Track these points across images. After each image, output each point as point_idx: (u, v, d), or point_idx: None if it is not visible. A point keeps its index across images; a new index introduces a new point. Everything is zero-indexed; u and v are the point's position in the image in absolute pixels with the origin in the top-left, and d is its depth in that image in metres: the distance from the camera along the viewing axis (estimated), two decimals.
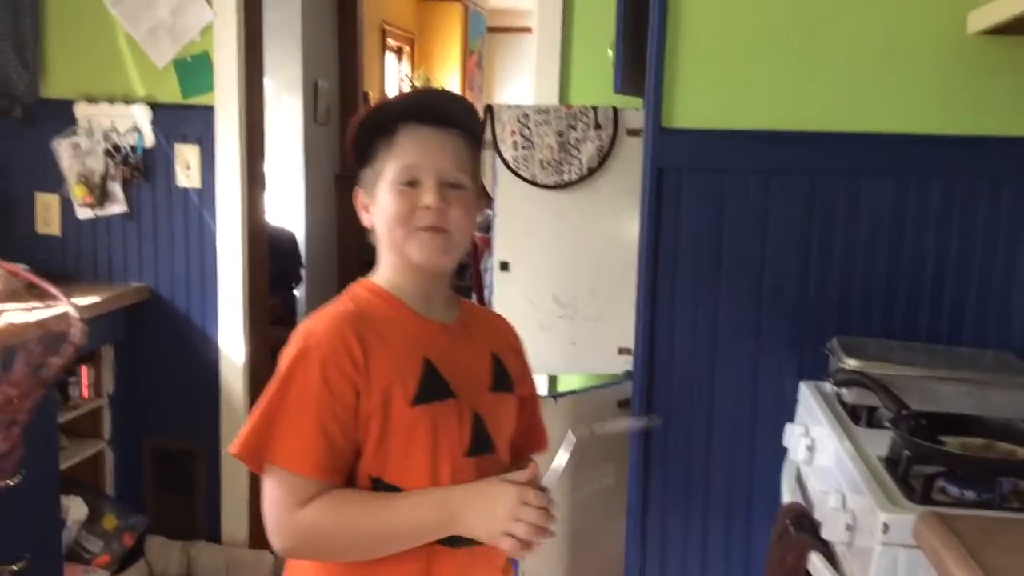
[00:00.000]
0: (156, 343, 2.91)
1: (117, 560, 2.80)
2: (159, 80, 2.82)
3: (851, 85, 2.00)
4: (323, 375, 1.16)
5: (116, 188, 2.85)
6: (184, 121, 2.83)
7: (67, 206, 2.88)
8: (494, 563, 1.29)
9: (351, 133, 1.30)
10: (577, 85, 2.87)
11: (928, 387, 1.70)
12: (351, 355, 1.18)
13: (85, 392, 2.82)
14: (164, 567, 2.91)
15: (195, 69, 2.79)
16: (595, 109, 2.47)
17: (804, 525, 1.54)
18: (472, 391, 1.26)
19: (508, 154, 2.46)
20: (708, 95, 2.04)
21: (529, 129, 2.44)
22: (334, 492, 1.17)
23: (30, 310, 0.99)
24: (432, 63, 8.28)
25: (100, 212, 2.87)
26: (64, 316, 0.99)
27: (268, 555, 2.99)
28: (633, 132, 2.46)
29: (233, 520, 2.99)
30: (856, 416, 1.71)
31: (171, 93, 2.82)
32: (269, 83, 3.10)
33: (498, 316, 1.44)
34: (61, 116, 2.83)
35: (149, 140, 2.84)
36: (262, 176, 3.02)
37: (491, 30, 9.12)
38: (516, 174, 2.46)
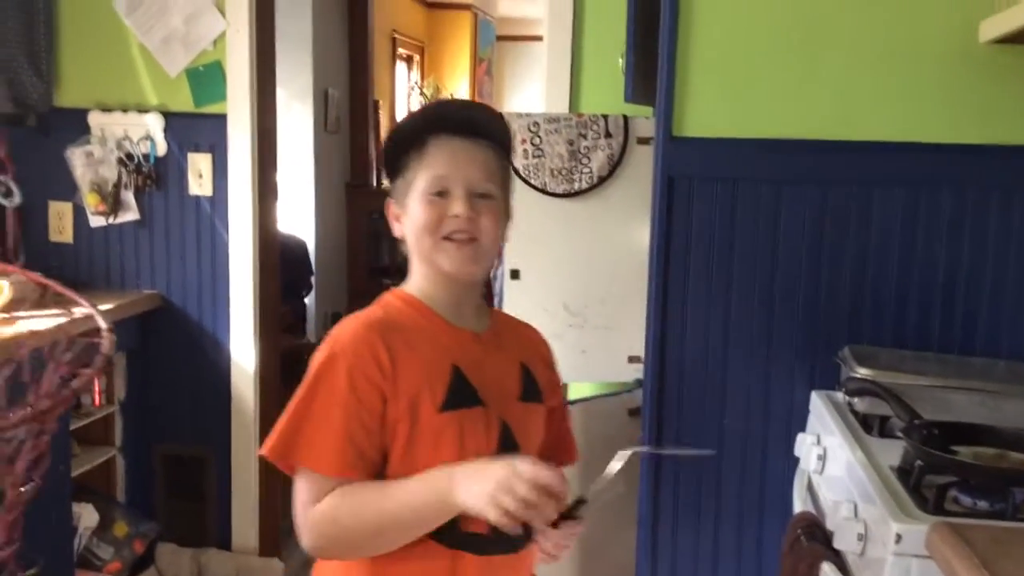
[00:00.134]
0: (168, 350, 2.92)
1: (128, 567, 2.81)
2: (172, 89, 2.83)
3: (862, 94, 2.00)
4: (350, 381, 1.18)
5: (129, 196, 2.87)
6: (196, 130, 2.84)
7: (80, 214, 2.90)
8: (520, 574, 1.29)
9: (383, 145, 1.33)
10: (587, 93, 2.88)
11: (941, 397, 1.69)
12: (378, 361, 1.19)
13: (97, 399, 2.83)
14: (175, 574, 2.91)
15: (207, 78, 2.81)
16: (605, 117, 2.47)
17: (816, 535, 1.54)
18: (501, 400, 1.26)
19: (519, 162, 2.46)
20: (719, 104, 2.04)
21: (540, 138, 2.45)
22: (346, 485, 1.17)
23: (49, 317, 1.00)
24: (442, 71, 8.30)
25: (113, 220, 2.89)
26: (89, 323, 1.00)
27: (278, 563, 2.99)
28: (643, 140, 2.46)
29: (243, 527, 3.00)
30: (868, 426, 1.70)
31: (184, 102, 2.83)
32: (280, 91, 3.11)
33: (529, 327, 1.44)
34: (74, 125, 2.85)
35: (162, 149, 2.85)
36: (274, 184, 3.03)
37: (500, 38, 9.14)
38: (527, 182, 2.47)
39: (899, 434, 1.53)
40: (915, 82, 1.99)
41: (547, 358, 1.40)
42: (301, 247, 4.97)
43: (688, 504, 2.13)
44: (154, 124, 2.84)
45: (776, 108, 2.03)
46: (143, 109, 2.85)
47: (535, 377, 1.33)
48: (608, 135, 2.46)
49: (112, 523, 2.81)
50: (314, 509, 1.17)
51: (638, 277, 2.24)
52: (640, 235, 2.34)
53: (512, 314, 1.46)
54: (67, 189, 2.87)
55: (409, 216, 1.28)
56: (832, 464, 1.68)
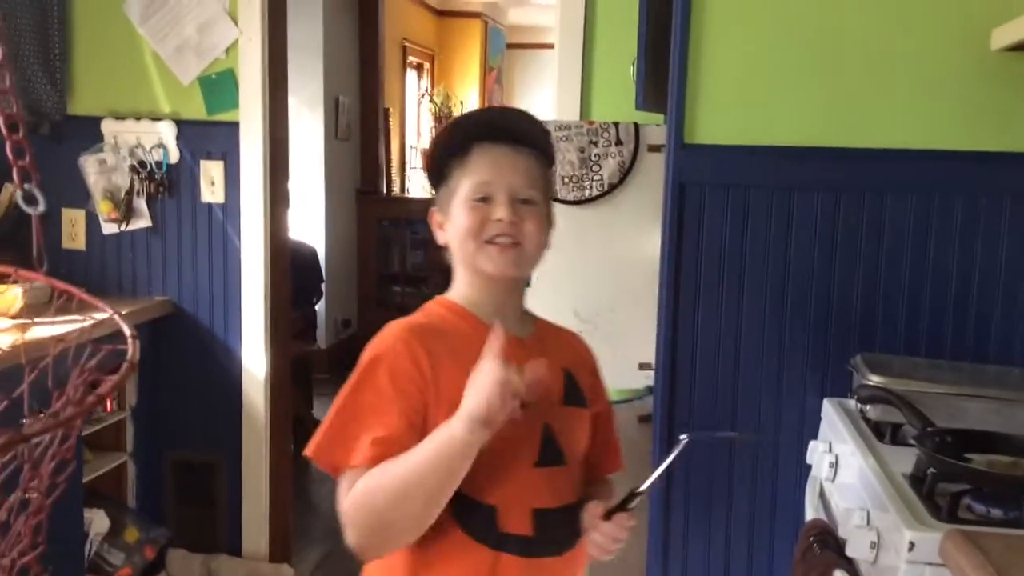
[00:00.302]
0: (179, 356, 2.93)
1: (139, 573, 2.81)
2: (185, 97, 2.85)
3: (873, 101, 2.00)
4: (392, 380, 1.19)
5: (141, 203, 2.88)
6: (209, 137, 2.86)
7: (93, 221, 2.91)
8: None
9: (427, 152, 1.34)
10: (598, 101, 2.89)
11: (954, 404, 1.68)
12: (418, 365, 1.20)
13: (108, 405, 2.84)
14: None
15: (220, 86, 2.83)
16: (616, 125, 2.48)
17: (828, 543, 1.53)
18: (544, 404, 1.26)
19: None
20: (730, 111, 2.04)
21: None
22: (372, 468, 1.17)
23: (63, 323, 1.01)
24: (452, 79, 8.33)
25: (125, 227, 2.90)
26: (100, 329, 1.00)
27: (288, 569, 3.00)
28: (654, 148, 2.47)
29: (254, 533, 3.00)
30: (880, 433, 1.70)
31: (196, 110, 2.85)
32: (291, 99, 3.12)
33: (573, 334, 1.44)
34: (88, 133, 2.87)
35: (174, 156, 2.87)
36: (286, 192, 3.04)
37: (510, 46, 9.17)
38: None
39: (912, 442, 1.53)
40: (927, 89, 1.99)
41: (591, 364, 1.40)
42: (311, 254, 4.99)
43: (699, 510, 2.12)
44: (167, 132, 2.85)
45: (787, 115, 2.03)
46: (156, 117, 2.86)
47: (579, 383, 1.33)
48: (619, 142, 2.46)
49: (123, 529, 2.82)
50: (351, 493, 1.17)
51: (649, 284, 2.24)
52: (651, 242, 2.34)
53: None
54: (80, 196, 2.88)
55: (452, 222, 1.28)
56: (844, 472, 1.67)
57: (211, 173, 2.86)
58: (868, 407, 1.75)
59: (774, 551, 2.10)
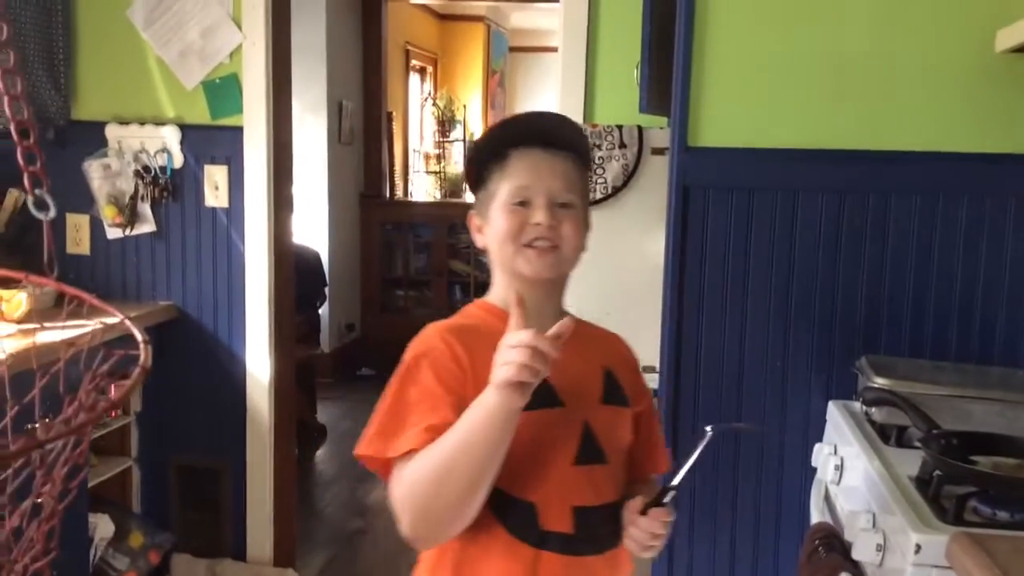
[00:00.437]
0: (183, 361, 2.93)
1: None
2: (188, 102, 2.85)
3: (878, 103, 2.00)
4: (436, 375, 1.20)
5: (145, 208, 2.89)
6: (213, 142, 2.86)
7: (97, 226, 2.92)
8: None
9: (467, 157, 1.36)
10: (602, 104, 2.88)
11: (959, 406, 1.68)
12: (458, 361, 1.22)
13: (113, 411, 2.84)
14: None
15: (224, 91, 2.83)
16: (620, 128, 2.48)
17: (834, 545, 1.53)
18: (582, 402, 1.27)
19: None
20: (734, 114, 2.04)
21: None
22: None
23: (68, 328, 1.01)
24: (455, 83, 8.34)
25: (129, 232, 2.91)
26: (106, 335, 1.01)
27: (292, 573, 3.00)
28: (658, 151, 2.47)
29: (258, 538, 3.00)
30: (885, 435, 1.70)
31: (200, 114, 2.85)
32: (294, 103, 3.13)
33: (614, 335, 1.45)
34: (92, 138, 2.88)
35: (178, 161, 2.87)
36: (289, 196, 3.05)
37: (513, 50, 9.18)
38: None
39: (917, 444, 1.53)
40: (931, 91, 1.99)
41: (633, 364, 1.41)
42: (315, 258, 4.99)
43: (704, 513, 2.12)
44: (171, 136, 2.86)
45: (791, 118, 2.03)
46: (160, 122, 2.87)
47: (619, 381, 1.33)
48: (623, 145, 2.46)
49: (128, 534, 2.82)
50: (398, 486, 1.17)
51: (653, 287, 2.24)
52: (655, 245, 2.34)
53: None
54: (84, 201, 2.89)
55: (491, 226, 1.30)
56: (849, 474, 1.67)
57: (215, 178, 2.87)
58: (873, 409, 1.75)
59: (779, 554, 2.10)
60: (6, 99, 0.85)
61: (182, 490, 3.02)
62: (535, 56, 9.02)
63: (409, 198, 7.01)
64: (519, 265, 1.27)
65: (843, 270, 2.03)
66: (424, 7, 7.68)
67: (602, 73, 2.90)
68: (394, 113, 6.56)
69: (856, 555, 1.44)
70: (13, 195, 2.78)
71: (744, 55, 2.03)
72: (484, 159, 1.32)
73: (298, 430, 3.31)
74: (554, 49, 3.17)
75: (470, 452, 1.12)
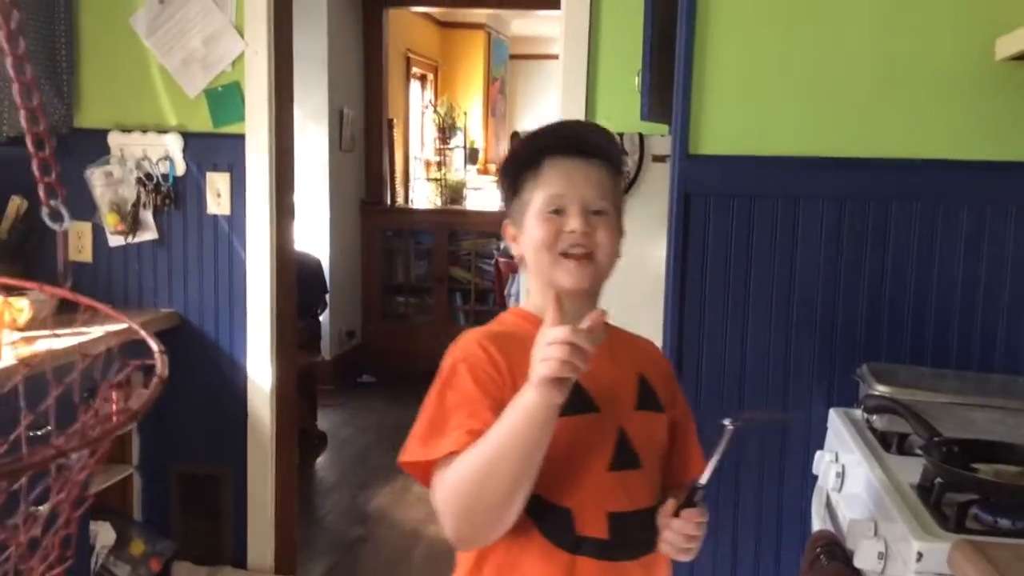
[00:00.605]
0: (184, 369, 2.93)
1: None
2: (191, 109, 2.86)
3: (878, 111, 2.01)
4: (475, 379, 1.22)
5: (147, 216, 2.90)
6: (215, 150, 2.87)
7: (99, 233, 2.93)
8: None
9: (500, 167, 1.37)
10: (603, 111, 2.89)
11: (960, 414, 1.68)
12: (496, 366, 1.23)
13: (117, 417, 2.84)
14: None
15: (226, 99, 2.84)
16: (621, 135, 2.49)
17: (836, 554, 1.53)
18: (617, 407, 1.28)
19: None
20: (735, 121, 2.05)
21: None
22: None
23: (72, 335, 1.01)
24: (455, 90, 8.36)
25: (131, 239, 2.91)
26: (106, 342, 1.01)
27: None
28: (659, 158, 2.47)
29: (259, 546, 3.00)
30: (887, 443, 1.70)
31: (202, 122, 2.86)
32: (296, 111, 3.13)
33: (649, 342, 1.46)
34: (94, 145, 2.88)
35: (180, 168, 2.88)
36: (291, 203, 3.05)
37: (513, 57, 9.20)
38: None
39: (918, 452, 1.53)
40: (931, 99, 1.99)
41: (667, 371, 1.42)
42: (316, 265, 4.99)
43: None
44: (173, 144, 2.87)
45: (792, 125, 2.03)
46: (162, 129, 2.88)
47: (653, 387, 1.34)
48: (624, 153, 2.47)
49: (129, 541, 2.82)
50: (441, 487, 1.18)
51: (654, 294, 2.25)
52: (656, 252, 2.34)
53: None
54: (87, 209, 2.89)
55: (526, 235, 1.31)
56: (851, 482, 1.67)
57: (217, 185, 2.87)
58: (874, 417, 1.75)
59: (780, 562, 2.10)
60: (23, 112, 0.86)
61: (183, 498, 3.02)
62: (536, 63, 9.04)
63: (410, 205, 7.02)
64: (558, 277, 1.28)
65: (844, 278, 2.03)
66: (425, 15, 7.70)
67: (603, 80, 2.90)
68: (395, 120, 6.57)
69: (858, 563, 1.44)
70: (15, 202, 2.79)
71: (745, 63, 2.04)
72: (518, 168, 1.33)
73: (299, 437, 3.31)
74: (555, 56, 3.17)
75: (511, 451, 1.13)
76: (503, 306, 3.33)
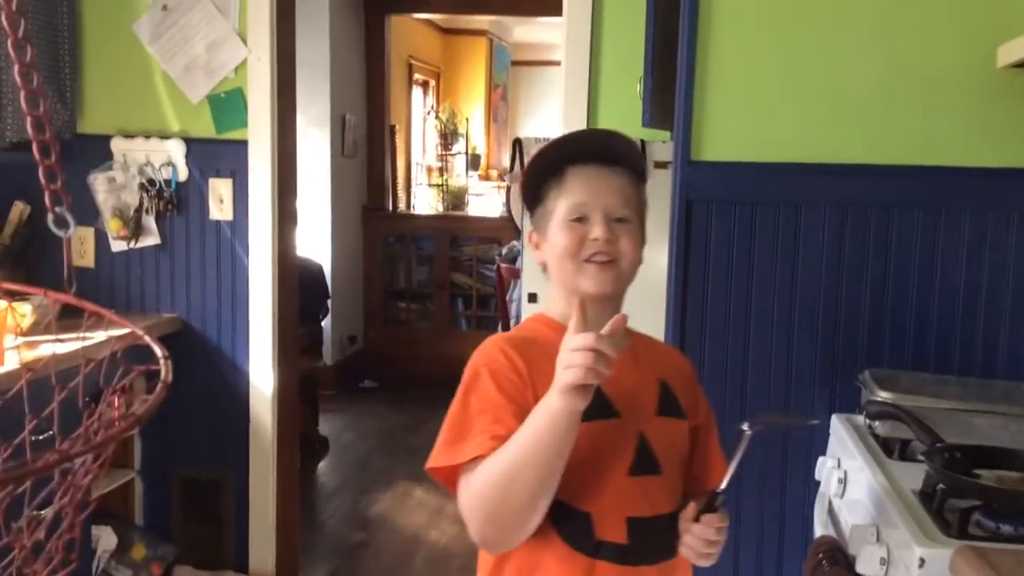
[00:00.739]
0: (186, 373, 2.90)
1: None
2: (193, 115, 2.87)
3: (881, 118, 2.01)
4: (497, 384, 1.23)
5: (150, 221, 2.90)
6: (218, 155, 2.88)
7: (102, 239, 2.93)
8: None
9: (523, 176, 1.38)
10: (604, 118, 2.89)
11: (962, 420, 1.68)
12: (517, 371, 1.24)
13: (121, 423, 2.84)
14: None
15: (229, 105, 2.85)
16: None
17: (838, 559, 1.53)
18: (637, 413, 1.28)
19: None
20: (737, 128, 2.05)
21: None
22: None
23: (78, 339, 1.02)
24: (457, 96, 8.37)
25: (134, 245, 2.92)
26: (106, 348, 1.02)
27: None
28: (660, 165, 2.47)
29: (261, 550, 3.00)
30: (889, 449, 1.70)
31: (205, 128, 2.87)
32: (298, 117, 3.14)
33: (672, 348, 1.49)
34: (97, 151, 2.89)
35: (183, 174, 2.89)
36: (293, 209, 3.06)
37: (515, 63, 9.22)
38: None
39: (920, 458, 1.53)
40: (933, 106, 1.99)
41: (689, 377, 1.42)
42: (318, 270, 5.00)
43: None
44: (176, 150, 2.87)
45: (794, 132, 2.04)
46: (165, 135, 2.88)
47: (675, 393, 1.34)
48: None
49: (130, 546, 2.82)
50: (466, 492, 1.19)
51: (655, 301, 2.25)
52: (657, 259, 2.34)
53: None
54: (89, 214, 2.90)
55: (550, 242, 1.32)
56: (853, 488, 1.67)
57: (219, 191, 2.88)
58: (876, 423, 1.75)
59: (783, 567, 2.09)
60: (29, 119, 0.86)
61: (185, 502, 3.02)
62: (538, 70, 9.06)
63: (412, 211, 7.03)
64: (582, 283, 1.28)
65: (846, 284, 2.03)
66: (427, 21, 7.72)
67: (605, 87, 2.91)
68: (397, 126, 6.58)
69: (860, 569, 1.43)
70: (18, 208, 2.79)
71: (747, 70, 2.05)
72: (541, 177, 1.34)
73: (300, 442, 3.31)
74: (557, 63, 3.18)
75: (535, 456, 1.14)
76: (504, 312, 3.33)
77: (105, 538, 2.72)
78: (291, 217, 3.03)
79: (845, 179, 2.02)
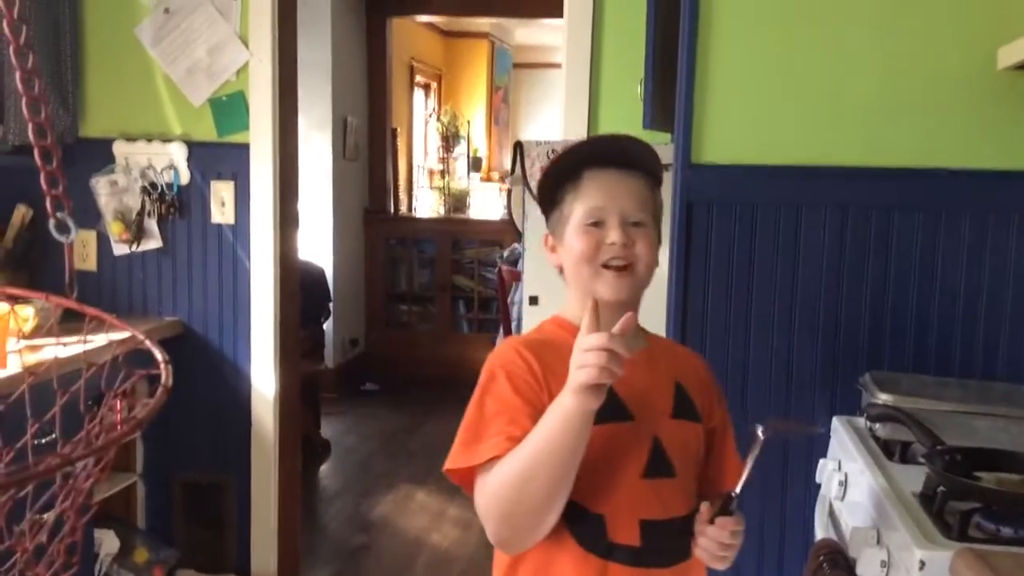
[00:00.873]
0: (188, 377, 2.94)
1: None
2: (195, 119, 2.88)
3: (881, 120, 2.01)
4: (513, 386, 1.24)
5: (152, 224, 2.91)
6: (219, 159, 2.88)
7: (104, 242, 2.94)
8: None
9: (540, 179, 1.39)
10: (605, 120, 2.90)
11: (963, 422, 1.68)
12: (532, 372, 1.25)
13: (123, 426, 2.85)
14: None
15: (231, 108, 2.85)
16: None
17: (838, 562, 1.53)
18: (652, 416, 1.29)
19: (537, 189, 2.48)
20: (737, 131, 2.05)
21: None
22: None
23: (79, 343, 1.02)
24: (459, 99, 8.38)
25: (136, 248, 2.92)
26: (124, 348, 1.02)
27: None
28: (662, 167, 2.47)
29: (263, 554, 3.00)
30: (889, 451, 1.70)
31: (207, 131, 2.87)
32: (300, 120, 3.15)
33: (690, 351, 1.49)
34: (99, 154, 2.90)
35: (185, 177, 2.89)
36: (295, 212, 3.07)
37: (517, 66, 9.22)
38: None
39: (921, 460, 1.52)
40: (933, 108, 2.00)
41: (706, 380, 1.42)
42: (319, 273, 5.01)
43: None
44: (178, 153, 2.88)
45: (794, 134, 2.04)
46: (167, 138, 2.89)
47: (690, 396, 1.35)
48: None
49: (132, 549, 2.83)
50: (482, 492, 1.20)
51: (657, 303, 2.25)
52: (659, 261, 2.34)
53: None
54: (91, 217, 2.91)
55: (566, 247, 1.33)
56: (854, 490, 1.67)
57: (221, 194, 2.89)
58: (877, 425, 1.75)
59: (783, 571, 2.09)
60: (31, 125, 0.87)
61: (187, 506, 3.02)
62: (539, 72, 9.06)
63: (413, 214, 7.04)
64: (598, 288, 1.29)
65: (846, 286, 2.03)
66: (429, 24, 7.73)
67: (606, 89, 2.91)
68: (399, 129, 6.59)
69: (861, 571, 1.43)
70: (20, 211, 2.80)
71: (747, 72, 2.05)
72: (557, 180, 1.35)
73: (302, 445, 3.32)
74: (558, 65, 3.19)
75: (549, 456, 1.14)
76: (506, 314, 3.33)
77: (107, 542, 2.72)
78: (293, 220, 3.04)
79: (845, 181, 2.02)
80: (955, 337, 2.01)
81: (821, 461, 1.84)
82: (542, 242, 1.40)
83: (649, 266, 1.32)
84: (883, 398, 1.76)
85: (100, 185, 2.89)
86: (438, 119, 7.99)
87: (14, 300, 2.24)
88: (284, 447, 2.99)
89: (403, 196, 6.80)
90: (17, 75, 0.85)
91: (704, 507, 1.26)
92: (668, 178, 2.36)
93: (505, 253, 5.46)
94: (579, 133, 2.92)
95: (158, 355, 0.85)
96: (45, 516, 0.85)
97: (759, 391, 2.07)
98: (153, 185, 2.89)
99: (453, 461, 1.23)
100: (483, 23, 8.14)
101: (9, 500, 0.72)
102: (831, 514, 1.76)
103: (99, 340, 1.10)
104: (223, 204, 2.88)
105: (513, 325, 3.28)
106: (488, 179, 8.54)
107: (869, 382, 1.85)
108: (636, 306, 1.35)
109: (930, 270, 2.01)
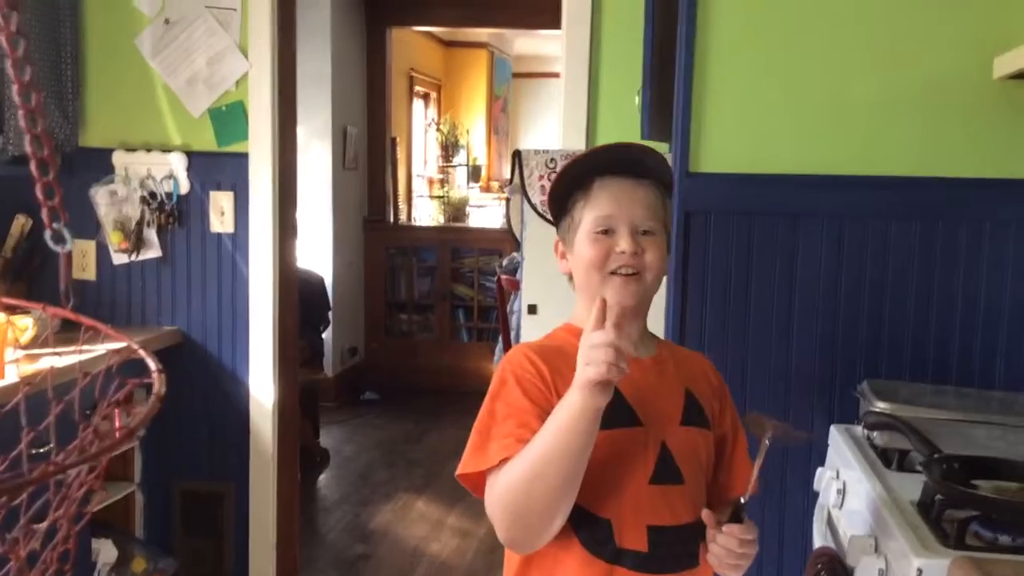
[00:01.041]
0: (187, 386, 2.94)
1: None
2: (195, 129, 2.88)
3: (878, 129, 2.02)
4: (523, 390, 1.25)
5: (151, 234, 2.91)
6: (219, 168, 2.89)
7: (103, 252, 2.94)
8: None
9: (550, 187, 1.40)
10: (604, 129, 2.91)
11: (960, 431, 1.68)
12: (542, 377, 1.26)
13: (117, 435, 2.85)
14: None
15: (230, 118, 2.86)
16: None
17: (836, 571, 1.53)
18: (661, 422, 1.29)
19: (536, 198, 2.49)
20: (735, 140, 2.06)
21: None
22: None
23: (77, 353, 1.02)
24: (458, 108, 8.40)
25: (135, 257, 2.93)
26: (121, 356, 1.03)
27: None
28: None
29: (261, 563, 2.99)
30: (887, 460, 1.70)
31: (206, 141, 2.88)
32: (299, 129, 3.15)
33: (701, 357, 1.48)
34: (99, 164, 2.90)
35: (184, 187, 2.90)
36: (294, 221, 3.07)
37: (516, 75, 9.25)
38: (544, 218, 2.49)
39: (919, 468, 1.53)
40: (929, 117, 2.00)
41: (716, 387, 1.42)
42: (319, 282, 5.01)
43: None
44: (177, 163, 2.89)
45: (791, 143, 2.05)
46: (167, 148, 2.90)
47: (700, 403, 1.35)
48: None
49: (131, 559, 2.82)
50: (492, 493, 1.21)
51: (655, 312, 2.25)
52: None
53: None
54: (91, 227, 2.91)
55: (575, 254, 1.34)
56: (851, 498, 1.67)
57: (221, 204, 2.89)
58: (875, 433, 1.75)
59: None
60: (27, 136, 0.87)
61: (185, 515, 3.02)
62: (538, 82, 9.09)
63: (413, 223, 7.05)
64: (606, 295, 1.28)
65: (844, 294, 2.04)
66: (428, 34, 7.75)
67: (604, 99, 2.92)
68: (398, 138, 6.60)
69: None
70: (20, 221, 2.80)
71: (744, 82, 2.06)
72: (568, 188, 1.36)
73: (301, 454, 3.31)
74: (557, 75, 3.19)
75: (557, 455, 1.15)
76: (505, 323, 3.33)
77: (105, 551, 2.72)
78: (292, 229, 3.04)
79: (843, 190, 2.03)
80: (952, 345, 2.01)
81: (819, 469, 1.84)
82: (552, 248, 1.41)
83: (658, 275, 1.32)
84: (881, 406, 1.76)
85: (99, 195, 2.90)
86: (437, 128, 8.01)
87: (12, 310, 2.24)
88: (283, 456, 2.99)
89: (402, 205, 6.81)
90: (14, 88, 0.86)
91: (706, 514, 1.26)
92: None
93: (504, 262, 5.47)
94: (578, 142, 2.92)
95: (151, 364, 0.86)
96: (38, 525, 0.86)
97: (757, 400, 2.07)
98: (152, 195, 2.89)
99: (465, 466, 1.24)
100: (482, 33, 8.17)
101: (2, 508, 0.72)
102: (829, 522, 1.76)
103: (97, 350, 1.10)
104: (222, 213, 2.89)
105: (512, 334, 3.28)
106: (487, 188, 8.55)
107: (867, 390, 1.85)
108: (644, 313, 1.36)
109: (927, 278, 2.01)
